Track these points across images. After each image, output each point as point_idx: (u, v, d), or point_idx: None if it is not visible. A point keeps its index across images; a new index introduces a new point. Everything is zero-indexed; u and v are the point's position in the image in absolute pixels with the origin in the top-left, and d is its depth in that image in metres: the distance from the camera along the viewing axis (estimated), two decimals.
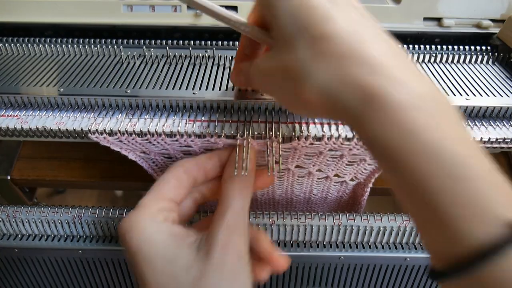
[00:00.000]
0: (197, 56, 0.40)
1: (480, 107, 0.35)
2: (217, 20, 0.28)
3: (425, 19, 0.46)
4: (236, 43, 0.43)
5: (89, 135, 0.33)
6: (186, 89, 0.36)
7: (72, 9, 0.44)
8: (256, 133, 0.32)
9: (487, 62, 0.42)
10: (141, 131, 0.32)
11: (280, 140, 0.32)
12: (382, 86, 0.20)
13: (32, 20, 0.45)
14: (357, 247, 0.37)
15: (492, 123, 0.35)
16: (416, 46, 0.43)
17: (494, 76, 0.39)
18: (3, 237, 0.37)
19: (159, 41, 0.43)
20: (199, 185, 0.32)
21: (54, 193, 0.96)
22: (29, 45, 0.42)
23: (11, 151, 0.44)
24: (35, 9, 0.44)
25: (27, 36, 0.44)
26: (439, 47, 0.43)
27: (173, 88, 0.36)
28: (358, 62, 0.21)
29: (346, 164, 0.37)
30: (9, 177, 0.42)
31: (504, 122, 0.35)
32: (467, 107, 0.35)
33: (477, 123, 0.35)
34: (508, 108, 0.35)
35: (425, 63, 0.41)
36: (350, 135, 0.32)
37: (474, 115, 0.36)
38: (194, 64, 0.40)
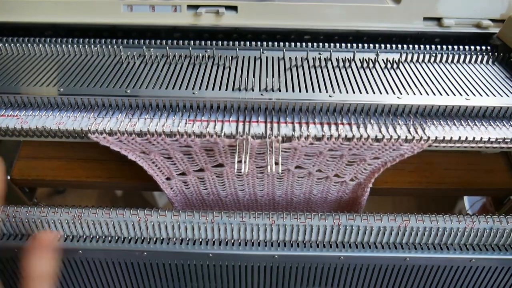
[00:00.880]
0: (197, 56, 0.40)
1: (480, 107, 0.35)
2: None
3: (425, 19, 0.45)
4: (236, 43, 0.43)
5: (89, 135, 0.33)
6: (186, 89, 0.36)
7: (72, 9, 0.44)
8: (256, 133, 0.32)
9: (487, 62, 0.42)
10: (141, 131, 0.32)
11: (280, 140, 0.32)
12: None
13: (32, 20, 0.45)
14: (357, 247, 0.37)
15: (492, 123, 0.35)
16: (416, 46, 0.43)
17: (494, 76, 0.39)
18: (3, 237, 0.37)
19: (159, 41, 0.43)
20: None
21: (54, 193, 0.96)
22: (29, 45, 0.42)
23: (11, 151, 0.44)
24: (35, 9, 0.44)
25: (27, 36, 0.44)
26: (439, 47, 0.43)
27: (173, 88, 0.36)
28: None
29: (346, 164, 0.37)
30: (9, 177, 0.42)
31: (504, 122, 0.35)
32: (467, 107, 0.35)
33: (477, 123, 0.35)
34: (508, 108, 0.35)
35: (425, 63, 0.41)
36: (350, 135, 0.32)
37: (474, 115, 0.36)
38: (194, 64, 0.40)
